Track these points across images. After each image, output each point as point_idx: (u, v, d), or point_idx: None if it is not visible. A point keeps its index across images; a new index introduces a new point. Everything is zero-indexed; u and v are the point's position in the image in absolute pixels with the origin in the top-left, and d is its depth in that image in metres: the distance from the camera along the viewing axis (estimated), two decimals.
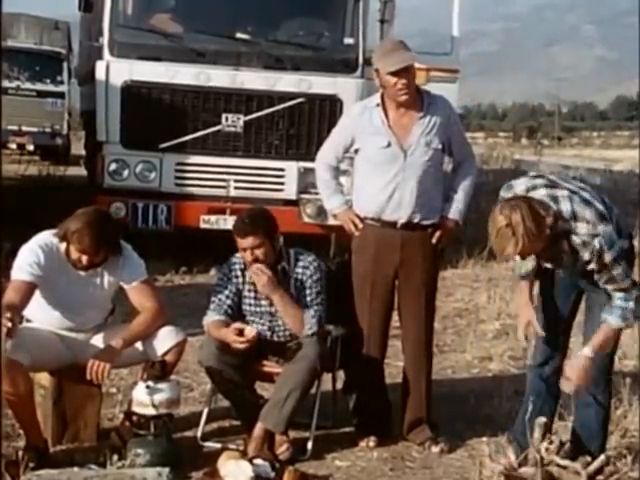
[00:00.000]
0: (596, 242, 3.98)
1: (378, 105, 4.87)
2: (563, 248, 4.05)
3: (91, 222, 4.51)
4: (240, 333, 4.69)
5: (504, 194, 4.21)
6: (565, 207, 4.01)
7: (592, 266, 4.03)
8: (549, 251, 4.08)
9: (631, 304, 4.07)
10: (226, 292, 4.85)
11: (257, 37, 9.55)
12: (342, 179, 5.30)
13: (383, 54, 4.86)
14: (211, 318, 4.83)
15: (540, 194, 4.06)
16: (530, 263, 4.36)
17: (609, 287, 4.08)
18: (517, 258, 4.24)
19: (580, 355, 4.14)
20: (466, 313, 8.21)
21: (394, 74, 4.71)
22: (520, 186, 4.18)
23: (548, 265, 4.26)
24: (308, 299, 4.83)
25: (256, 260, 4.71)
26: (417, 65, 4.87)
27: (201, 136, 9.42)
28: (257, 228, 4.72)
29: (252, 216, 4.84)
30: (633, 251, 4.23)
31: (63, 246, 4.57)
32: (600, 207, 4.04)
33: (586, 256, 4.00)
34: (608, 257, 3.99)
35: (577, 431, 4.34)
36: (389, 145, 4.81)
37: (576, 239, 4.01)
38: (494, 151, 27.69)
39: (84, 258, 4.53)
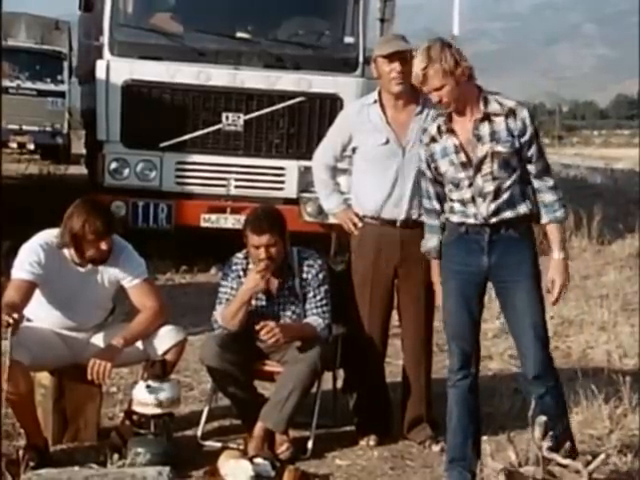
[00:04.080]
0: (529, 104, 4.18)
1: (375, 102, 4.88)
2: (490, 110, 4.12)
3: (90, 209, 4.57)
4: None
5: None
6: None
7: (526, 137, 4.10)
8: (470, 107, 4.13)
9: (560, 193, 4.20)
10: (231, 291, 4.84)
11: (257, 36, 9.56)
12: (342, 178, 5.30)
13: (382, 43, 4.95)
14: (220, 308, 4.83)
15: None
16: (435, 238, 4.36)
17: (536, 167, 4.15)
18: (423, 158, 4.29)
19: (554, 261, 4.19)
20: None
21: (389, 60, 4.71)
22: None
23: (453, 140, 4.19)
24: (317, 298, 4.83)
25: (269, 258, 4.70)
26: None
27: (201, 135, 9.44)
28: (273, 226, 4.73)
29: (268, 214, 4.85)
30: None
31: (70, 252, 4.57)
32: None
33: (525, 115, 4.10)
34: (536, 124, 4.19)
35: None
36: (387, 142, 4.82)
37: (509, 100, 4.15)
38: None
39: (103, 244, 4.54)
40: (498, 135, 4.11)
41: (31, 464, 4.17)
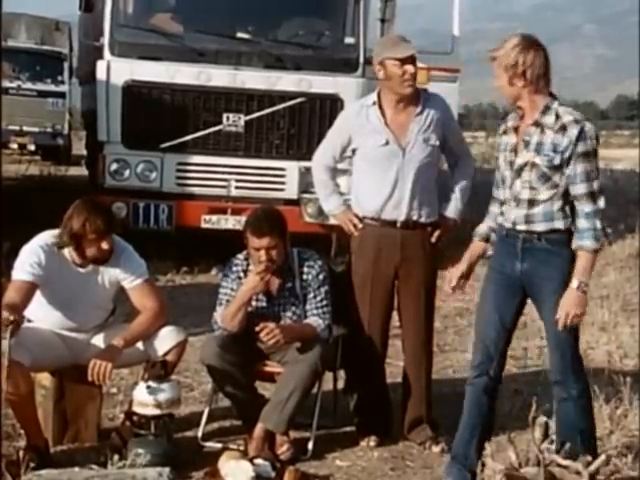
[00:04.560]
0: (587, 124, 4.05)
1: (375, 104, 4.88)
2: (544, 121, 4.08)
3: (91, 209, 4.57)
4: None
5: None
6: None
7: (566, 154, 4.02)
8: (533, 111, 4.09)
9: (598, 223, 4.06)
10: (231, 292, 4.84)
11: (257, 36, 9.56)
12: (342, 178, 5.30)
13: (391, 45, 4.89)
14: (220, 309, 4.82)
15: None
16: (485, 225, 4.43)
17: (576, 189, 4.05)
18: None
19: (569, 290, 4.07)
20: (467, 313, 8.20)
21: (403, 62, 4.73)
22: None
23: (511, 139, 4.20)
24: (318, 299, 4.83)
25: (270, 260, 4.70)
26: (418, 64, 4.89)
27: (202, 136, 9.43)
28: (273, 228, 4.73)
29: (268, 215, 4.84)
30: None
31: (70, 253, 4.57)
32: None
33: (573, 133, 4.01)
34: (591, 145, 4.04)
35: (562, 429, 4.30)
36: (387, 143, 4.82)
37: (569, 115, 4.06)
38: (495, 150, 27.68)
39: (104, 243, 4.54)
40: (542, 147, 4.07)
41: (31, 465, 4.17)
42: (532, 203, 4.12)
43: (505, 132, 4.28)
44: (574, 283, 4.07)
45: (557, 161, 4.05)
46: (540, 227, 4.13)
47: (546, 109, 4.09)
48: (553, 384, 4.27)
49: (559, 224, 4.12)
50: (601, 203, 4.08)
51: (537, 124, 4.09)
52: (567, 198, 4.11)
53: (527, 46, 4.08)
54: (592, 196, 4.06)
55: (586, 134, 4.04)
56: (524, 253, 4.17)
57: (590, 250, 4.07)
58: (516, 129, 4.20)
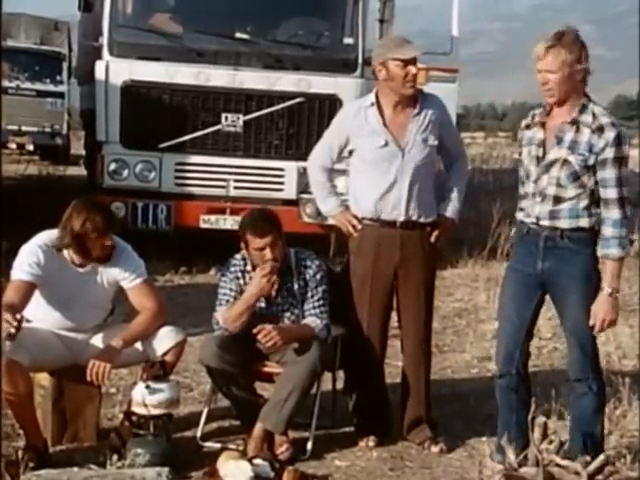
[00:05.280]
0: (623, 130, 4.06)
1: (373, 105, 4.87)
2: (582, 119, 4.06)
3: (90, 208, 4.58)
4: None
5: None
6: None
7: (601, 157, 4.01)
8: (568, 108, 4.08)
9: (623, 231, 4.07)
10: (231, 292, 4.84)
11: (256, 37, 9.56)
12: (340, 179, 5.29)
13: (394, 46, 4.86)
14: (222, 310, 4.82)
15: None
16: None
17: (606, 193, 4.05)
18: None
19: (601, 296, 4.11)
20: (466, 313, 8.21)
21: (405, 63, 4.73)
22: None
23: (535, 135, 4.18)
24: (315, 299, 4.83)
25: (274, 259, 4.69)
26: (418, 65, 4.90)
27: (201, 136, 9.43)
28: (273, 226, 4.74)
29: (265, 215, 4.85)
30: None
31: (69, 253, 4.57)
32: None
33: (610, 136, 4.00)
34: (625, 150, 4.05)
35: (577, 426, 4.33)
36: (386, 144, 4.81)
37: (606, 117, 4.04)
38: (494, 151, 27.67)
39: (107, 242, 4.55)
40: (577, 145, 4.06)
41: (30, 465, 4.18)
42: (558, 200, 4.12)
43: (528, 126, 4.25)
44: (606, 290, 4.11)
45: (591, 161, 4.05)
46: (564, 224, 4.13)
47: (583, 108, 4.08)
48: (573, 382, 4.28)
49: (584, 222, 4.13)
50: (628, 210, 4.08)
51: (574, 122, 4.07)
52: (593, 198, 4.11)
53: (582, 40, 4.07)
54: (621, 202, 4.06)
55: (622, 139, 4.04)
56: (546, 252, 4.17)
57: (615, 258, 4.09)
58: (542, 124, 4.18)
